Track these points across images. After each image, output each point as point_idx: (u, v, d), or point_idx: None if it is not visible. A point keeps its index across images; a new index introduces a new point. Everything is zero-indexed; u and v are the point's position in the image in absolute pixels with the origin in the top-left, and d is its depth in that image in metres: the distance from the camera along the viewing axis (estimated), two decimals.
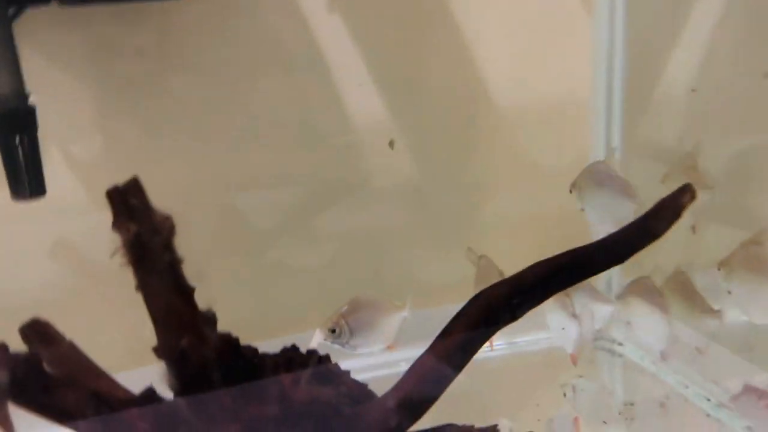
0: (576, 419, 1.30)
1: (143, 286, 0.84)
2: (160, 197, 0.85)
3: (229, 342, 0.91)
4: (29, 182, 1.27)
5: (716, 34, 1.63)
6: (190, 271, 0.92)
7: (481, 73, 1.63)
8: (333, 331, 1.30)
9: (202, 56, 1.48)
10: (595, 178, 1.35)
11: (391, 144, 1.51)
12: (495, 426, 1.03)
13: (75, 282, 1.48)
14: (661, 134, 1.65)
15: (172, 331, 0.86)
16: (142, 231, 0.83)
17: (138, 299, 0.93)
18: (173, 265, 0.85)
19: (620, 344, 1.52)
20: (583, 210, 1.34)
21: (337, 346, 1.32)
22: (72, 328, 0.94)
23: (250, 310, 1.52)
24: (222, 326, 0.97)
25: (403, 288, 1.63)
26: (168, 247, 0.85)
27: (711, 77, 1.64)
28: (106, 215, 0.83)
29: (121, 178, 0.84)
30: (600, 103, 1.64)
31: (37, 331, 0.94)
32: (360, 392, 1.02)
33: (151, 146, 1.47)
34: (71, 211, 1.43)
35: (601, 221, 1.33)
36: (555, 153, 1.63)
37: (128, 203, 0.84)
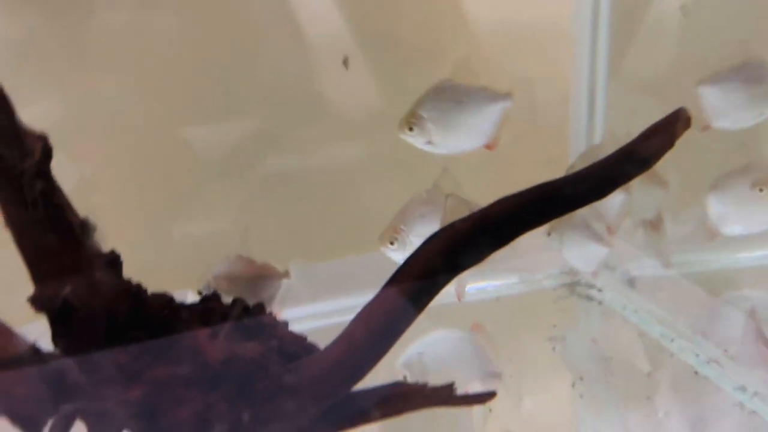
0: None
1: (11, 221, 0.69)
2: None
3: (130, 290, 0.76)
4: None
5: None
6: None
7: None
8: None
9: None
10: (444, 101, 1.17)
11: (345, 62, 1.33)
12: (451, 384, 0.91)
13: None
14: (650, 63, 1.50)
15: (50, 278, 0.71)
16: (7, 154, 0.68)
17: None
18: (48, 195, 0.69)
19: (599, 290, 1.40)
20: (430, 143, 1.17)
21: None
22: None
23: (176, 253, 1.37)
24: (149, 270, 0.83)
25: (363, 228, 1.50)
26: (41, 174, 0.69)
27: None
28: None
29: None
30: (584, 26, 1.47)
31: None
32: (296, 346, 0.89)
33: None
34: None
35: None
36: (533, 80, 1.47)
37: None
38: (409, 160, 1.54)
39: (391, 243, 1.21)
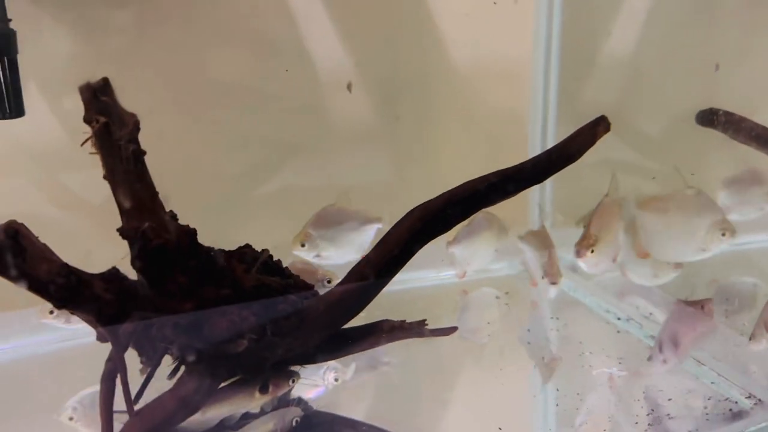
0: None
1: (110, 172, 0.94)
2: None
3: (188, 232, 1.01)
4: (9, 103, 1.35)
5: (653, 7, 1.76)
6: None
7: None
8: (303, 245, 1.36)
9: None
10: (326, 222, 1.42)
11: (349, 86, 1.60)
12: (423, 321, 1.14)
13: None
14: (596, 96, 1.77)
15: (135, 215, 0.96)
16: (112, 125, 0.93)
17: None
18: (137, 155, 0.95)
19: None
20: (318, 257, 1.39)
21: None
22: None
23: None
24: None
25: None
26: (132, 140, 0.95)
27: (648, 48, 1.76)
28: None
29: None
30: (539, 66, 1.78)
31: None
32: (306, 288, 1.13)
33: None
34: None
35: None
36: (497, 109, 1.75)
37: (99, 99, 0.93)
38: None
39: (302, 245, 1.40)
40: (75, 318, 1.25)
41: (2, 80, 1.32)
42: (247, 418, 1.13)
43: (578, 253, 1.33)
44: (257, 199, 1.69)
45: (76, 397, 1.23)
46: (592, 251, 1.32)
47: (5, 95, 1.33)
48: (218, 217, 1.61)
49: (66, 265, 0.91)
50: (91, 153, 0.93)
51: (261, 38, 1.63)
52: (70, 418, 1.21)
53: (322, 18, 1.67)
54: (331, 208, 1.44)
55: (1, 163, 1.47)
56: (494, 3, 1.68)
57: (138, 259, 0.95)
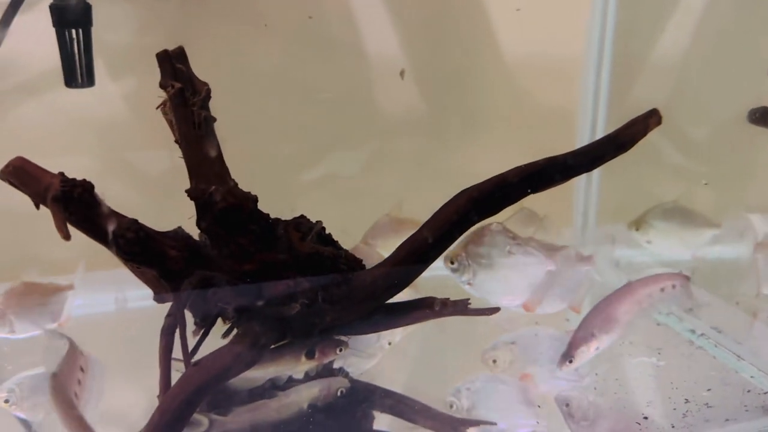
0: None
1: (183, 136, 0.98)
2: None
3: (251, 198, 1.04)
4: (82, 73, 1.40)
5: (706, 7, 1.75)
6: None
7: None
8: (452, 262, 1.31)
9: None
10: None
11: (402, 74, 1.63)
12: (467, 299, 1.16)
13: None
14: (646, 97, 1.76)
15: (203, 178, 0.99)
16: (186, 91, 0.97)
17: None
18: (208, 121, 0.98)
19: None
20: None
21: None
22: None
23: None
24: None
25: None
26: (204, 106, 0.98)
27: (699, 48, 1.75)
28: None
29: None
30: (590, 64, 1.78)
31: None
32: (355, 261, 1.15)
33: None
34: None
35: None
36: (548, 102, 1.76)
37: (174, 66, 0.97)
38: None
39: None
40: (19, 327, 1.26)
41: (77, 51, 1.38)
42: (291, 381, 1.16)
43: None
44: (303, 184, 1.73)
45: (15, 378, 1.16)
46: (452, 262, 1.29)
47: (79, 65, 1.39)
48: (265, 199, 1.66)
49: (135, 220, 0.95)
50: (165, 116, 0.97)
51: (312, 27, 1.67)
52: (6, 401, 1.13)
53: (376, 7, 1.70)
54: (387, 218, 1.51)
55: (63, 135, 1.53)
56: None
57: (203, 220, 0.99)
